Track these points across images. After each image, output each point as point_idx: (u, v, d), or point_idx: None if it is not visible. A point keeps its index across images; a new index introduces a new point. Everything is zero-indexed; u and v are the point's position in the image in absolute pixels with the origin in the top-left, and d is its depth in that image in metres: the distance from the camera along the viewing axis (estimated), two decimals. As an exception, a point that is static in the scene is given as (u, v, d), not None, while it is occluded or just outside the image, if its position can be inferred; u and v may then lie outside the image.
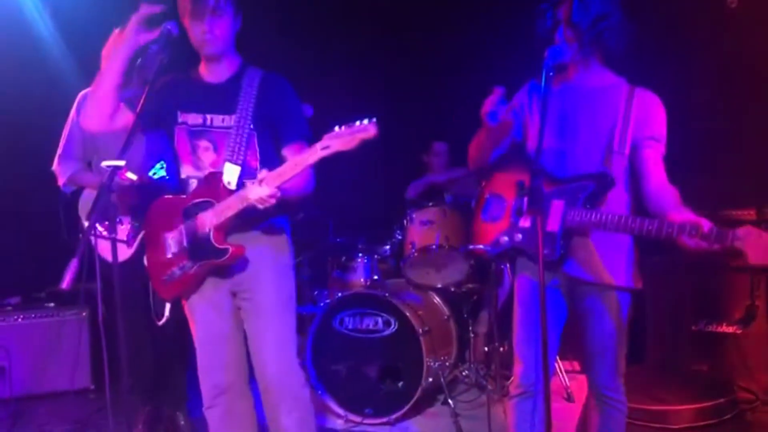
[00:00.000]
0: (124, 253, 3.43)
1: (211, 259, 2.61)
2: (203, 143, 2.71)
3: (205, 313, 2.74)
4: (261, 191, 2.44)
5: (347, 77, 5.50)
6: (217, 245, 2.59)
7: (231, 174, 2.62)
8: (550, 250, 2.47)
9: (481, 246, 2.67)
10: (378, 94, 5.58)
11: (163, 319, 2.81)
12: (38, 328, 4.52)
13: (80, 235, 3.72)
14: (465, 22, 5.47)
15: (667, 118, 2.59)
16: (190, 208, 2.67)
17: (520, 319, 2.64)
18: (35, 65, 4.97)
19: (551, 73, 2.46)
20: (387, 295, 4.10)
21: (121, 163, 2.50)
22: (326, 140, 2.33)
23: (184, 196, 2.72)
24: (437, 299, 4.54)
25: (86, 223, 3.54)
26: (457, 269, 4.44)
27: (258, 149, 2.69)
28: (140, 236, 3.51)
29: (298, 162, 2.41)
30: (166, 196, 2.81)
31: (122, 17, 4.54)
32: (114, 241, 2.59)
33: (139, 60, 2.59)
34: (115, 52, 2.65)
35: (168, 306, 2.79)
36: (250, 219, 2.63)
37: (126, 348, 2.57)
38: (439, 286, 4.49)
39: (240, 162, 2.63)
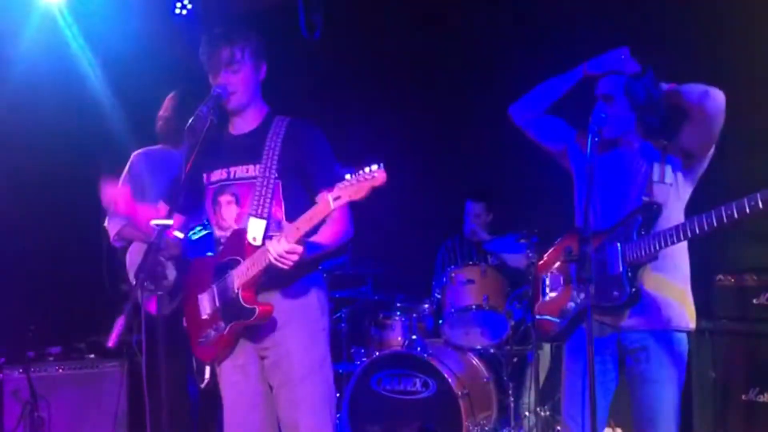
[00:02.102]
0: (168, 307, 3.46)
1: (240, 320, 2.54)
2: (225, 198, 2.66)
3: (233, 377, 2.67)
4: (279, 247, 2.36)
5: (382, 130, 5.55)
6: (245, 304, 2.51)
7: (256, 229, 2.54)
8: (619, 292, 2.51)
9: (547, 317, 2.67)
10: (416, 148, 5.61)
11: (205, 382, 2.75)
12: (78, 379, 4.53)
13: (124, 289, 3.78)
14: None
15: None
16: (220, 267, 2.62)
17: (570, 385, 2.60)
18: (87, 120, 5.13)
19: (596, 139, 2.50)
20: (426, 356, 4.05)
21: (170, 222, 2.54)
22: (337, 191, 2.27)
23: (214, 255, 2.70)
24: (476, 361, 4.46)
25: (133, 280, 3.59)
26: (497, 330, 4.38)
27: (283, 200, 2.61)
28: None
29: (312, 216, 2.34)
30: (200, 257, 2.82)
31: (173, 75, 4.72)
32: (160, 297, 2.61)
33: (190, 121, 2.64)
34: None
35: (208, 369, 2.73)
36: (280, 276, 2.51)
37: (167, 401, 2.56)
38: (479, 347, 4.42)
39: (265, 215, 2.56)
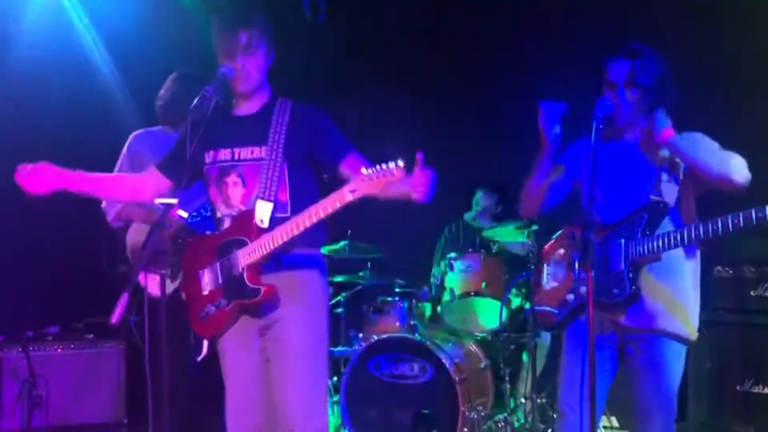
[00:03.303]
0: (169, 287, 3.46)
1: (243, 299, 2.59)
2: (232, 178, 2.69)
3: (234, 353, 2.70)
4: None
5: (385, 113, 5.53)
6: (249, 285, 2.56)
7: (264, 212, 2.58)
8: (619, 289, 2.49)
9: (546, 308, 2.65)
10: (418, 132, 5.59)
11: (201, 356, 2.76)
12: (76, 359, 4.55)
13: (125, 269, 3.77)
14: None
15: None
16: (224, 246, 2.65)
17: (569, 374, 2.60)
18: (89, 99, 5.10)
19: (601, 126, 2.49)
20: (424, 341, 4.06)
21: (174, 201, 2.54)
22: (353, 184, 2.32)
23: (219, 233, 2.72)
24: (474, 347, 4.48)
25: (133, 260, 3.58)
26: (496, 317, 4.39)
27: (288, 182, 2.65)
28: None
29: (327, 205, 2.40)
30: (201, 233, 2.83)
31: (176, 56, 4.70)
32: (163, 276, 2.62)
33: (195, 101, 2.64)
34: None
35: (206, 343, 2.74)
36: (283, 256, 2.61)
37: (168, 381, 2.57)
38: (477, 334, 4.44)
39: (272, 198, 2.60)
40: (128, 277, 2.44)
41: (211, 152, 2.72)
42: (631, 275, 2.50)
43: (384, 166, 2.28)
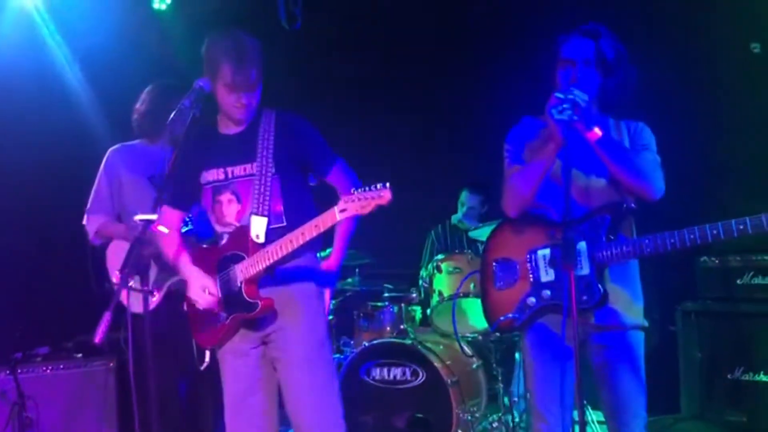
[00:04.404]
0: (150, 303, 3.44)
1: (242, 312, 2.65)
2: (226, 196, 2.75)
3: (234, 364, 2.76)
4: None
5: (366, 121, 5.52)
6: (247, 299, 2.63)
7: (259, 227, 2.66)
8: (588, 295, 2.42)
9: (509, 315, 2.58)
10: (402, 137, 5.59)
11: (204, 365, 2.85)
12: (66, 378, 4.50)
13: (108, 286, 3.75)
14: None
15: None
16: (223, 261, 2.72)
17: (541, 376, 2.57)
18: (65, 117, 5.06)
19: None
20: (414, 344, 4.06)
21: (153, 217, 2.54)
22: (343, 203, 2.39)
23: (218, 248, 2.78)
24: (466, 348, 4.48)
25: (114, 277, 3.55)
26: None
27: (281, 193, 2.72)
28: (165, 286, 3.53)
29: (318, 224, 2.48)
30: (201, 246, 2.88)
31: (152, 70, 4.67)
32: (145, 294, 2.61)
33: (172, 115, 2.63)
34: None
35: (208, 353, 2.84)
36: (276, 270, 2.66)
37: (156, 398, 2.56)
38: (468, 334, 4.44)
39: (266, 213, 2.66)
40: (110, 295, 2.43)
41: (204, 173, 2.78)
42: (598, 279, 2.43)
43: (372, 187, 2.35)
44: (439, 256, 4.60)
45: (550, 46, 2.62)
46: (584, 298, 2.42)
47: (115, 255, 3.65)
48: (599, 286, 2.43)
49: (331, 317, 4.88)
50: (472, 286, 4.35)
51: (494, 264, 2.66)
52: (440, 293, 4.44)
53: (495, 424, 4.38)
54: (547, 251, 2.53)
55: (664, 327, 4.34)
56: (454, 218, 5.33)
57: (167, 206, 2.83)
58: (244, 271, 2.64)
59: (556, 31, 2.66)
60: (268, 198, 2.68)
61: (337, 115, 5.32)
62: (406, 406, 4.01)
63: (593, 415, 4.22)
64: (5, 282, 4.96)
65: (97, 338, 2.22)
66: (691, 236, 2.29)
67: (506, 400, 4.30)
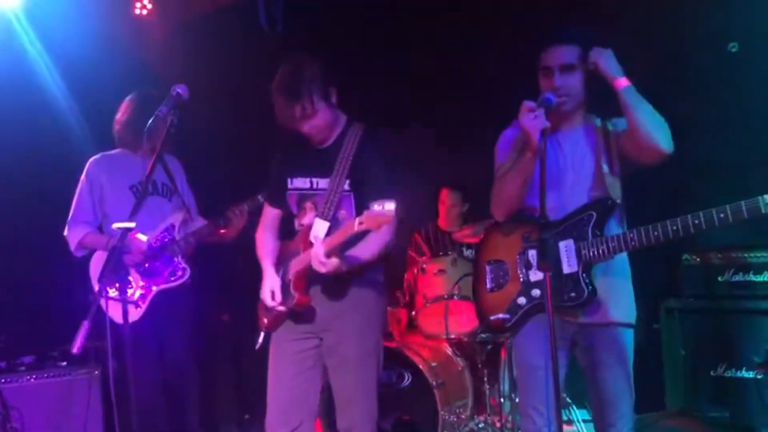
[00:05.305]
0: (134, 313, 3.43)
1: (286, 302, 2.86)
2: (309, 204, 2.95)
3: (284, 343, 2.92)
4: (317, 251, 2.67)
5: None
6: (291, 290, 2.84)
7: (319, 229, 2.83)
8: (576, 293, 2.45)
9: (500, 315, 2.62)
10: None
11: (258, 345, 3.00)
12: (50, 387, 4.48)
13: (90, 297, 3.74)
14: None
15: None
16: (291, 253, 2.95)
17: (529, 376, 2.60)
18: (46, 127, 5.02)
19: (549, 104, 2.45)
20: (399, 347, 4.06)
21: (132, 225, 2.54)
22: (362, 217, 2.52)
23: (292, 242, 3.00)
24: (450, 350, 4.49)
25: (96, 286, 3.55)
26: (470, 319, 4.40)
27: (349, 206, 2.86)
28: (150, 297, 3.52)
29: (341, 234, 2.64)
30: (288, 239, 3.06)
31: (133, 76, 4.64)
32: (125, 302, 2.60)
33: (149, 123, 2.63)
34: None
35: (262, 335, 3.00)
36: (346, 275, 2.81)
37: (137, 407, 2.56)
38: (453, 336, 4.44)
39: (329, 218, 2.83)
40: (89, 304, 2.43)
41: (293, 179, 2.97)
42: (585, 276, 2.47)
43: (383, 207, 2.45)
44: (423, 259, 4.60)
45: (533, 56, 2.66)
46: (572, 295, 2.46)
47: (98, 265, 3.63)
48: (587, 282, 2.45)
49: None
50: (457, 288, 4.36)
51: (486, 266, 2.71)
52: (424, 295, 4.44)
53: (481, 425, 4.39)
54: (536, 251, 2.56)
55: (648, 325, 4.36)
56: (437, 221, 5.34)
57: (267, 204, 3.09)
58: (294, 265, 2.85)
59: (532, 32, 2.67)
60: (334, 207, 2.84)
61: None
62: (392, 408, 4.01)
63: (578, 414, 4.26)
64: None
65: (75, 348, 2.22)
66: (674, 227, 2.33)
67: (492, 401, 4.32)
